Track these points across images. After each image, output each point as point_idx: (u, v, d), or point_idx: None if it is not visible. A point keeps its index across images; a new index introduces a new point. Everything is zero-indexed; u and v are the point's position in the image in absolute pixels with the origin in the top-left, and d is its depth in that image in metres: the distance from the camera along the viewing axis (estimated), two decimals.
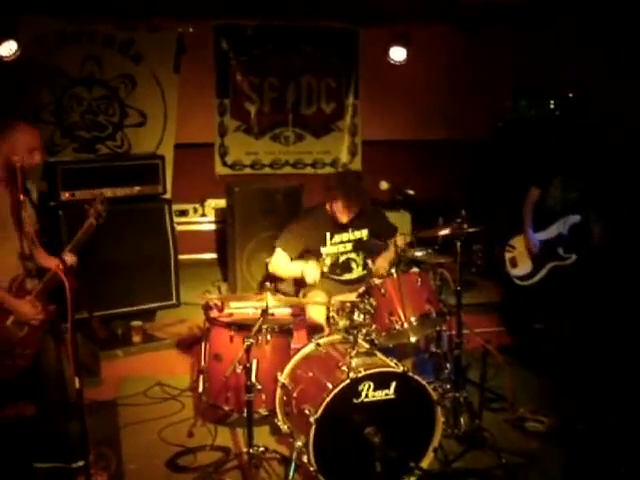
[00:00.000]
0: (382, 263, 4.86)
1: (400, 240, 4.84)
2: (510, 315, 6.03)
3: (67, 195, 5.45)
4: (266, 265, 5.11)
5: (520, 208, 5.61)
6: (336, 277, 4.95)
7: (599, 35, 6.45)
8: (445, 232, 4.36)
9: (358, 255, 4.98)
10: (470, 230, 4.28)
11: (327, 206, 4.84)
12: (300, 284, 4.98)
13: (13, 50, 5.87)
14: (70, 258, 3.70)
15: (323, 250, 4.87)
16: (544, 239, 5.51)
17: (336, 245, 4.90)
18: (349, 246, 4.93)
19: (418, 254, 4.55)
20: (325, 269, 4.85)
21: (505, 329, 5.90)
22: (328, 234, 4.87)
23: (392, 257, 4.75)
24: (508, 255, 5.76)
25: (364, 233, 4.98)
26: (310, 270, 4.65)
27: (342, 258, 4.94)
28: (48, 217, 5.22)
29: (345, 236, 4.92)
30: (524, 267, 5.62)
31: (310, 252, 4.88)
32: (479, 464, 3.93)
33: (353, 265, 4.98)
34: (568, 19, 6.68)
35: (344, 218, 4.78)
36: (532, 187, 5.55)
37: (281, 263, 4.82)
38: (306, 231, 4.84)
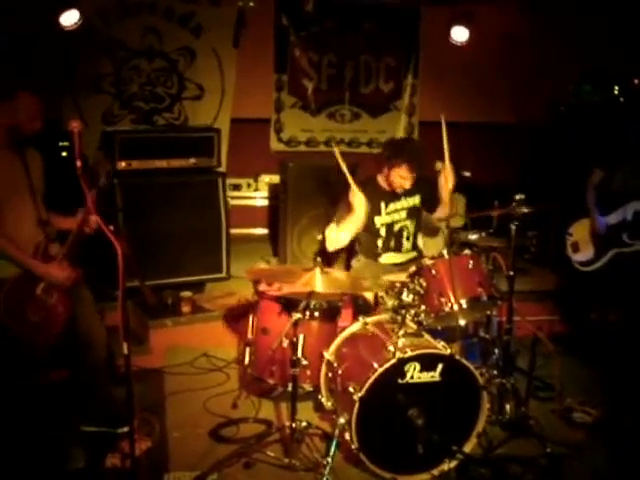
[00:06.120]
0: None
1: (441, 212, 4.92)
2: (566, 303, 5.91)
3: (123, 164, 5.53)
4: (321, 243, 5.07)
5: (579, 195, 5.49)
6: (384, 257, 4.92)
7: None
8: (498, 212, 4.30)
9: (412, 222, 4.95)
10: (525, 211, 4.19)
11: (381, 176, 4.83)
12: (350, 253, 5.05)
13: (75, 20, 5.90)
14: (94, 217, 3.58)
15: (377, 220, 4.84)
16: (609, 224, 5.38)
17: (391, 214, 4.88)
18: (403, 214, 4.91)
19: (471, 237, 4.50)
20: (380, 243, 4.85)
21: (559, 318, 5.79)
22: (383, 203, 4.84)
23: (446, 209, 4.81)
24: (569, 241, 5.65)
25: (417, 200, 4.96)
26: (357, 201, 4.48)
27: (396, 226, 4.91)
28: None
29: (399, 204, 4.90)
30: (586, 252, 5.50)
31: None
32: (523, 452, 3.87)
33: (404, 235, 4.93)
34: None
35: (407, 184, 4.74)
36: (595, 169, 5.42)
37: (332, 233, 4.69)
38: None
